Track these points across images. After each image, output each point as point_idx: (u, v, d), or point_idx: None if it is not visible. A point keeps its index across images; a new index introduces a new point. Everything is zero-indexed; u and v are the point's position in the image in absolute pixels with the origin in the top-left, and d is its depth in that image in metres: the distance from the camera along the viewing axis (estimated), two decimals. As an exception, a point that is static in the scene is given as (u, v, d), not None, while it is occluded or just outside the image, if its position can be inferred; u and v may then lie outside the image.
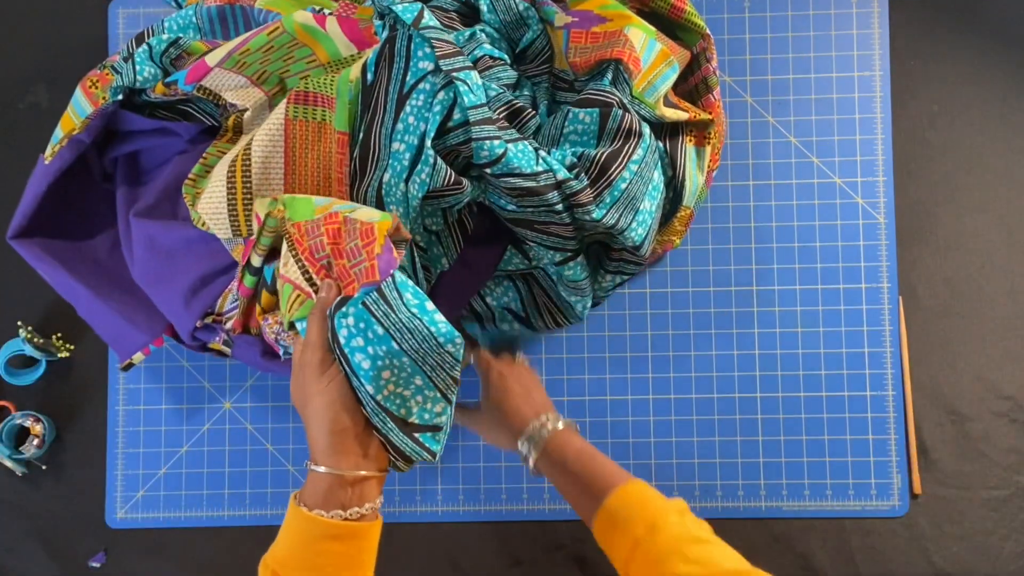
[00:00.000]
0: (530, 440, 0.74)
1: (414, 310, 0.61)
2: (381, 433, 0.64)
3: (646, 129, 0.75)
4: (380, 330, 0.61)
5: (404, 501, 0.89)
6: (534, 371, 0.83)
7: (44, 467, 0.90)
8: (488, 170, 0.72)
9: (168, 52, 0.81)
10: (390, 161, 0.74)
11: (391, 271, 0.62)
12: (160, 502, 0.90)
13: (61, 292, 0.83)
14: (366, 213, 0.67)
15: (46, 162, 0.81)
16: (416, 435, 0.64)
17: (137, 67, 0.79)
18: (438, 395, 0.64)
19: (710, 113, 0.81)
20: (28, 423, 0.88)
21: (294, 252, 0.67)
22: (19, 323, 0.88)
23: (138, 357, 0.82)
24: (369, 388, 0.62)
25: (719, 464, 0.88)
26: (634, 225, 0.75)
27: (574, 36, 0.78)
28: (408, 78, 0.74)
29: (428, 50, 0.73)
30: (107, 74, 0.82)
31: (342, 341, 0.62)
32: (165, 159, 0.84)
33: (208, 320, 0.80)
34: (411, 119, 0.73)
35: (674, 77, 0.79)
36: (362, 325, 0.61)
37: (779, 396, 0.88)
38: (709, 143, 0.82)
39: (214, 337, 0.81)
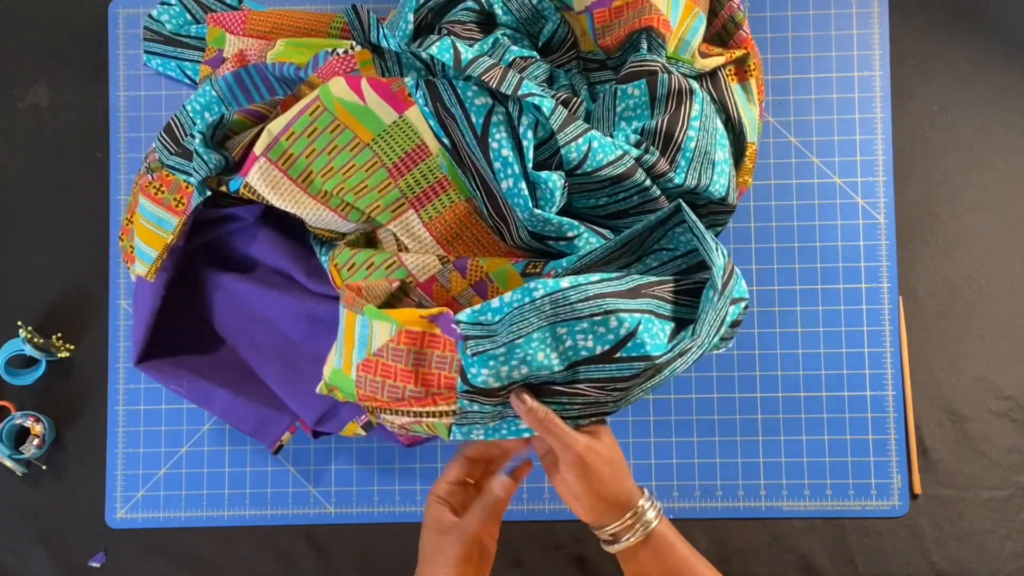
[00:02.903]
0: (624, 530, 0.67)
1: (493, 318, 0.64)
2: (595, 383, 0.64)
3: (695, 84, 0.75)
4: (501, 352, 0.64)
5: (404, 501, 0.89)
6: (609, 432, 0.70)
7: (44, 467, 0.90)
8: (579, 170, 0.71)
9: (216, 135, 0.77)
10: (511, 200, 0.73)
11: (452, 321, 0.65)
12: (160, 502, 0.90)
13: (194, 400, 0.83)
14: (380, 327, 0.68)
15: (150, 280, 0.79)
16: (619, 354, 0.63)
17: (205, 158, 0.75)
18: (589, 323, 0.63)
19: (744, 48, 0.81)
20: (28, 423, 0.88)
21: (399, 411, 0.68)
22: (19, 323, 0.88)
23: (287, 438, 0.84)
24: (551, 371, 0.64)
25: (719, 464, 0.88)
26: (715, 178, 0.74)
27: (598, 17, 0.77)
28: (475, 120, 0.72)
29: (476, 87, 0.72)
30: (166, 175, 0.79)
31: (499, 383, 0.64)
32: (244, 242, 0.83)
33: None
34: (504, 152, 0.72)
35: (703, 28, 0.78)
36: (491, 363, 0.64)
37: (779, 396, 0.88)
38: (751, 75, 0.81)
39: (354, 416, 0.81)
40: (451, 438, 0.69)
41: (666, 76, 0.73)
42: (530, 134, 0.72)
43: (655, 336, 0.63)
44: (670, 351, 0.63)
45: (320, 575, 0.89)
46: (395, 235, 0.77)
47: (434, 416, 0.67)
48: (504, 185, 0.72)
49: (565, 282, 0.63)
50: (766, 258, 0.89)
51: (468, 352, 0.64)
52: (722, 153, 0.76)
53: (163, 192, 0.79)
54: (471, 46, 0.78)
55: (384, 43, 0.74)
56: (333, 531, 0.89)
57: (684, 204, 0.67)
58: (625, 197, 0.73)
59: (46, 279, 0.92)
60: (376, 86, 0.73)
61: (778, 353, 0.88)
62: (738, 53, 0.80)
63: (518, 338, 0.63)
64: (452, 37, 0.75)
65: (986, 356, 0.88)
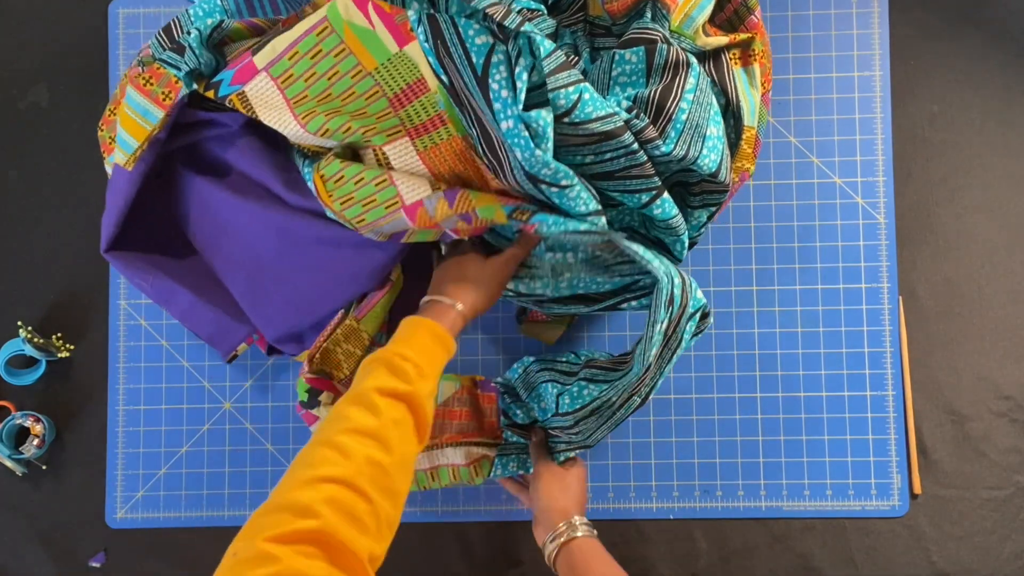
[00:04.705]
0: (553, 541, 0.78)
1: (510, 379, 0.88)
2: (559, 429, 0.82)
3: (693, 58, 0.75)
4: (521, 402, 0.87)
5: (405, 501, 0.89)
6: (582, 469, 0.83)
7: (44, 467, 0.90)
8: (567, 119, 0.70)
9: (212, 37, 0.77)
10: (510, 141, 0.72)
11: (491, 383, 0.87)
12: (160, 502, 0.90)
13: (156, 298, 0.83)
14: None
15: (128, 169, 0.78)
16: (555, 414, 0.82)
17: (197, 52, 0.76)
18: (537, 393, 0.84)
19: (754, 33, 0.81)
20: (28, 423, 0.88)
21: (461, 444, 0.86)
22: (19, 323, 0.88)
23: (242, 348, 0.84)
24: (541, 420, 0.84)
25: (719, 464, 0.88)
26: (705, 152, 0.74)
27: None
28: (475, 60, 0.71)
29: (477, 26, 0.71)
30: (157, 68, 0.79)
31: (526, 421, 0.86)
32: (223, 148, 0.83)
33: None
34: (503, 93, 0.71)
35: (710, 7, 0.78)
36: (520, 406, 0.86)
37: (779, 396, 0.88)
38: (756, 60, 0.81)
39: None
40: (493, 472, 0.85)
41: (665, 47, 0.73)
42: (525, 75, 0.71)
43: (575, 398, 0.80)
44: (580, 408, 0.79)
45: (320, 575, 0.89)
46: (385, 155, 0.76)
47: (484, 446, 0.85)
48: (504, 126, 0.71)
49: (530, 359, 0.87)
50: (766, 258, 0.89)
51: (507, 400, 0.86)
52: (715, 129, 0.75)
53: (152, 84, 0.79)
54: None
55: None
56: (333, 531, 0.89)
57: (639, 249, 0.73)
58: (612, 158, 0.72)
59: (46, 279, 0.92)
60: (381, 14, 0.73)
61: (778, 353, 0.88)
62: (742, 36, 0.80)
63: (526, 396, 0.85)
64: None
65: (986, 356, 0.88)
